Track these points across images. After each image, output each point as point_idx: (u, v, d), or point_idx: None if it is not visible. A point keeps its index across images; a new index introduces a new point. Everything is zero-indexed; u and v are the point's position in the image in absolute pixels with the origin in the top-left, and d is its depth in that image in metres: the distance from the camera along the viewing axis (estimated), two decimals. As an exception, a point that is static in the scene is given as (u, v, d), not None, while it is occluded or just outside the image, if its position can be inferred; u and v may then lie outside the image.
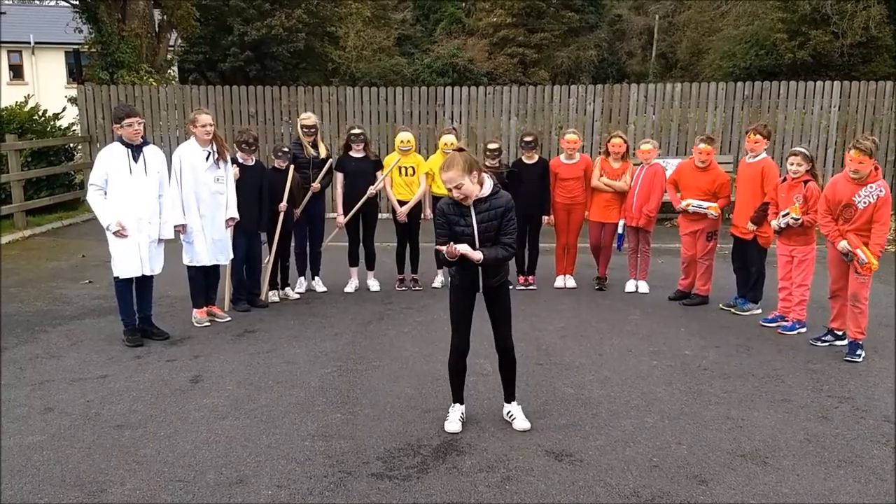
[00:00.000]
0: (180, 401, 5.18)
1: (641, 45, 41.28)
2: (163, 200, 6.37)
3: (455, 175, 4.34)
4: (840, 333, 6.32)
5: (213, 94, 13.25)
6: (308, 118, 7.95)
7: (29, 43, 30.89)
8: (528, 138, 8.09)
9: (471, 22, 39.19)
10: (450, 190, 4.42)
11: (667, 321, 7.13)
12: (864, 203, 5.87)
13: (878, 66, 28.02)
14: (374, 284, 8.20)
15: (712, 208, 7.39)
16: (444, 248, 4.41)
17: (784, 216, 6.58)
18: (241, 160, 7.24)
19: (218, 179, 6.80)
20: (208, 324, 6.88)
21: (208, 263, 6.87)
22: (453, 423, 4.74)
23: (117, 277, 6.26)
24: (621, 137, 8.14)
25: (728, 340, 6.55)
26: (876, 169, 5.91)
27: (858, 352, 5.99)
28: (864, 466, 4.31)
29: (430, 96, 13.04)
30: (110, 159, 6.16)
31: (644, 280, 8.21)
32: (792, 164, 6.62)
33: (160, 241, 6.41)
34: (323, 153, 7.91)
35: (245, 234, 7.20)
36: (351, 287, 8.16)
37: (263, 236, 7.63)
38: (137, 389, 5.38)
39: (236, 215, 6.96)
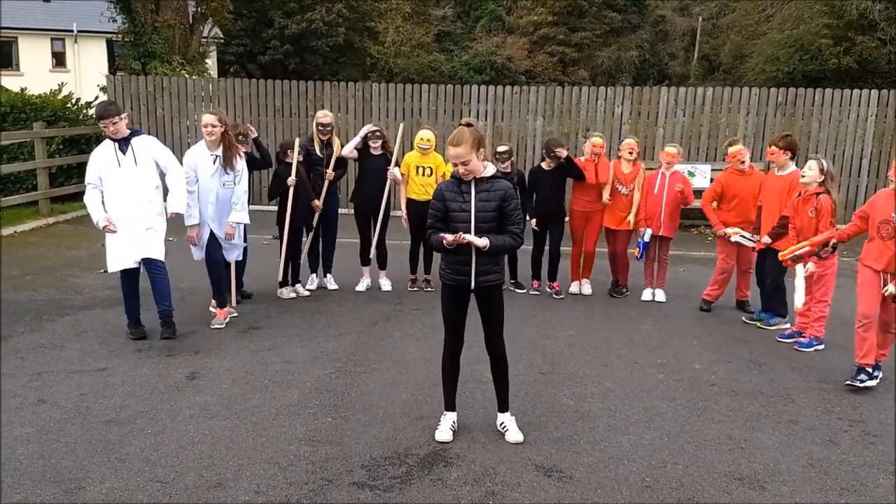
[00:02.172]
0: (173, 397, 5.14)
1: (684, 46, 40.72)
2: (169, 184, 6.25)
3: (463, 152, 4.28)
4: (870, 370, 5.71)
5: (241, 86, 13.29)
6: (324, 116, 7.84)
7: (72, 31, 31.35)
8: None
9: (511, 20, 39.02)
10: (455, 165, 4.36)
11: (680, 332, 6.94)
12: None
13: (925, 74, 27.27)
14: (385, 284, 8.12)
15: (759, 243, 7.13)
16: (449, 237, 4.30)
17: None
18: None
19: (225, 185, 6.59)
20: (221, 326, 6.69)
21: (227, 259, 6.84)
22: (444, 431, 4.64)
23: (106, 271, 6.27)
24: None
25: (741, 355, 6.35)
26: None
27: (876, 373, 5.75)
28: (867, 496, 4.12)
29: (457, 94, 12.93)
30: (99, 156, 6.16)
31: (661, 289, 8.03)
32: (802, 168, 6.42)
33: (149, 229, 6.20)
34: (337, 152, 7.82)
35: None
36: (362, 286, 8.09)
37: (276, 230, 7.61)
38: (133, 384, 5.36)
39: (244, 220, 6.79)
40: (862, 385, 5.58)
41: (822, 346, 6.46)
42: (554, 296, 8.01)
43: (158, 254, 6.29)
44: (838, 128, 12.15)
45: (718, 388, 5.65)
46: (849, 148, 12.11)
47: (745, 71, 34.17)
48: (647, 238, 7.85)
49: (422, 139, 7.88)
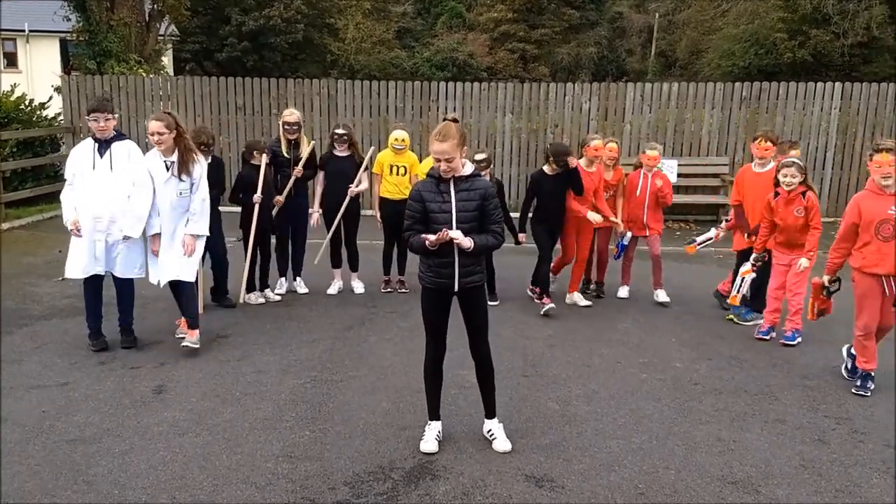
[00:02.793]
0: (140, 413, 4.89)
1: (641, 42, 40.97)
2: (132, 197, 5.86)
3: (449, 148, 4.12)
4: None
5: (201, 84, 12.94)
6: (290, 115, 7.57)
7: (24, 31, 30.43)
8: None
9: (471, 16, 38.99)
10: (438, 161, 4.17)
11: (658, 330, 6.85)
12: None
13: (879, 67, 27.74)
14: (358, 286, 7.91)
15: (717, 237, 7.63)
16: (432, 237, 4.12)
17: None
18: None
19: (181, 193, 5.93)
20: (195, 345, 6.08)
21: (165, 280, 6.06)
22: (429, 442, 4.47)
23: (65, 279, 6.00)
24: (616, 143, 7.83)
25: (721, 352, 6.28)
26: None
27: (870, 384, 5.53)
28: (862, 497, 4.04)
29: (424, 91, 12.74)
30: (77, 154, 5.88)
31: (661, 289, 7.82)
32: (786, 177, 6.22)
33: (127, 239, 5.89)
34: (306, 153, 7.55)
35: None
36: (334, 289, 7.88)
37: (240, 234, 7.36)
38: (97, 399, 5.09)
39: (202, 232, 6.08)
40: (870, 392, 5.41)
41: (800, 339, 6.43)
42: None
43: (133, 272, 6.02)
44: (802, 121, 12.21)
45: (702, 386, 5.56)
46: (813, 140, 12.18)
47: (701, 66, 34.48)
48: (626, 241, 7.75)
49: (396, 139, 7.70)
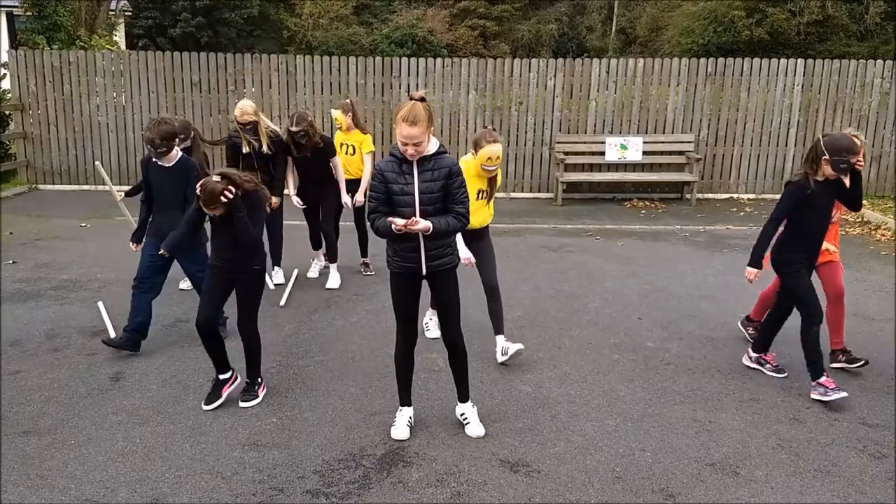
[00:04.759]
0: (97, 402, 4.68)
1: (601, 19, 40.97)
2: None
3: (418, 132, 3.89)
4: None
5: (154, 60, 12.48)
6: (242, 114, 6.79)
7: (-34, 4, 29.33)
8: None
9: (431, -8, 38.45)
10: (405, 145, 3.94)
11: (627, 309, 6.78)
12: None
13: (833, 45, 28.16)
14: (334, 279, 7.38)
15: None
16: (399, 221, 3.91)
17: None
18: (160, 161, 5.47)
19: None
20: None
21: None
22: (400, 429, 4.33)
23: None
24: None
25: (691, 332, 6.22)
26: None
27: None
28: (841, 477, 4.01)
29: (386, 67, 12.46)
30: None
31: None
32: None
33: None
34: (265, 138, 6.89)
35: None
36: (314, 271, 7.64)
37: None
38: (51, 388, 4.86)
39: None
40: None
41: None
42: None
43: None
44: (766, 97, 12.22)
45: (675, 366, 5.50)
46: (776, 117, 12.20)
47: (661, 44, 34.64)
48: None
49: (335, 119, 7.50)
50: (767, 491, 3.86)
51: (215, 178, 4.44)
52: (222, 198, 4.37)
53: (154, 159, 5.42)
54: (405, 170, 4.04)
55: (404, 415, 4.39)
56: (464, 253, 5.11)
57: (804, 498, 3.81)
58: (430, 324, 6.01)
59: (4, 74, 13.49)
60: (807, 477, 4.00)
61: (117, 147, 12.50)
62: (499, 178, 5.58)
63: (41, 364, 5.26)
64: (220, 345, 4.73)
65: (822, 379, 4.92)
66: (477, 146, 5.24)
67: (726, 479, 3.96)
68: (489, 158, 5.18)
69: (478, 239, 5.49)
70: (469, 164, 5.26)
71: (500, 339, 5.51)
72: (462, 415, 4.46)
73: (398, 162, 4.05)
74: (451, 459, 4.09)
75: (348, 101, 7.62)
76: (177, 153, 5.50)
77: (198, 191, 4.45)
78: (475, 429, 4.36)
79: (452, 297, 4.29)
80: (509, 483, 3.88)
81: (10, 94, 12.92)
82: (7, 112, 12.99)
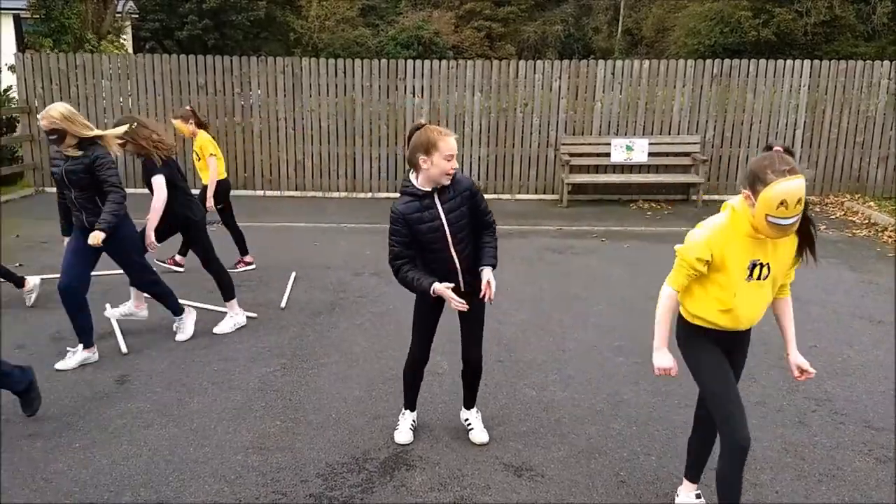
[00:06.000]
0: (102, 405, 4.69)
1: (607, 20, 40.86)
2: None
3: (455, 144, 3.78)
4: None
5: (161, 62, 12.53)
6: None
7: (-26, 8, 29.46)
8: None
9: (436, -7, 38.48)
10: (449, 160, 3.74)
11: (632, 312, 6.75)
12: None
13: (840, 46, 28.03)
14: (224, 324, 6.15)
15: None
16: (438, 287, 3.76)
17: None
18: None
19: None
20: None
21: None
22: (403, 433, 4.33)
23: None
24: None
25: (697, 334, 6.19)
26: None
27: None
28: (846, 481, 3.99)
29: (392, 70, 12.47)
30: None
31: None
32: None
33: None
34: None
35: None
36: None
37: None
38: (56, 391, 4.87)
39: None
40: None
41: None
42: None
43: None
44: (772, 98, 12.18)
45: (680, 370, 5.45)
46: (783, 118, 12.16)
47: (667, 45, 34.54)
48: None
49: (177, 129, 7.63)
50: (772, 494, 3.85)
51: None
52: None
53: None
54: (426, 204, 3.84)
55: (407, 419, 4.39)
56: None
57: (809, 501, 3.79)
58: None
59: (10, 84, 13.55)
60: (812, 480, 3.99)
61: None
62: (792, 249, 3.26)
63: (46, 367, 5.27)
64: None
65: None
66: (756, 183, 2.94)
67: (731, 484, 3.94)
68: (783, 203, 2.88)
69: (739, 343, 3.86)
70: (738, 217, 3.13)
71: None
72: (466, 420, 4.44)
73: (417, 198, 3.84)
74: (454, 463, 4.09)
75: (188, 108, 7.77)
76: None
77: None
78: (479, 435, 4.34)
79: (480, 312, 4.17)
80: (513, 487, 3.87)
81: (15, 97, 12.99)
82: (14, 115, 13.05)
